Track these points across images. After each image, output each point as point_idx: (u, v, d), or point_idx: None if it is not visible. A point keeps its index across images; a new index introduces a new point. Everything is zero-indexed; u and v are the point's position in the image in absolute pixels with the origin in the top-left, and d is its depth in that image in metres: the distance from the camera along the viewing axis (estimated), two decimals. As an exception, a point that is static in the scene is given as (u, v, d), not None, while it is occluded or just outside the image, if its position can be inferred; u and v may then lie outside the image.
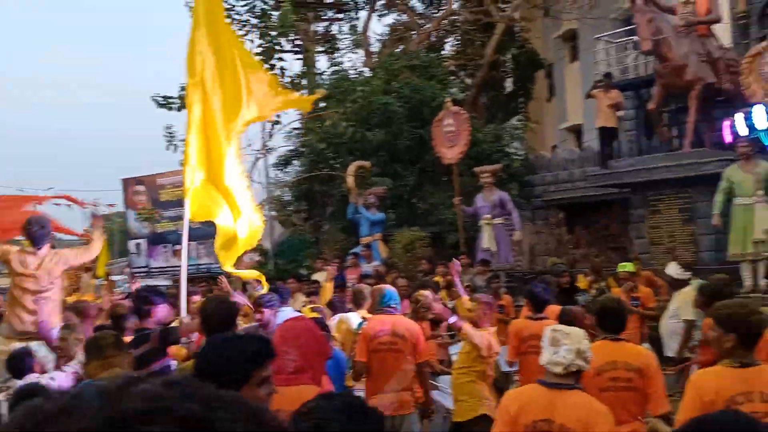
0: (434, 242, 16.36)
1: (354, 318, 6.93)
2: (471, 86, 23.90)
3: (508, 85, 26.53)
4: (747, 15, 14.12)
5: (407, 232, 15.27)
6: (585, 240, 15.83)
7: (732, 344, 3.67)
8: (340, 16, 26.42)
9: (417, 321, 8.43)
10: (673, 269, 8.94)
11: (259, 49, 22.99)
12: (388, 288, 6.41)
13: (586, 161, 17.03)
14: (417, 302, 8.42)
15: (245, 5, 23.37)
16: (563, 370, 3.50)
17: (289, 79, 23.36)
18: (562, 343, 3.51)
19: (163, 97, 19.29)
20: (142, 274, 20.14)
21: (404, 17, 25.81)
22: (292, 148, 20.42)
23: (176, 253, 19.14)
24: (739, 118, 6.79)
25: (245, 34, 23.16)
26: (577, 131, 25.33)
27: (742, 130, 6.76)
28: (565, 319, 5.18)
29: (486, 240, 13.22)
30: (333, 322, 7.10)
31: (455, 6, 24.45)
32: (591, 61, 18.73)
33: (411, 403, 5.84)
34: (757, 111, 6.29)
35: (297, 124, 20.87)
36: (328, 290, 9.48)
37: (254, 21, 23.24)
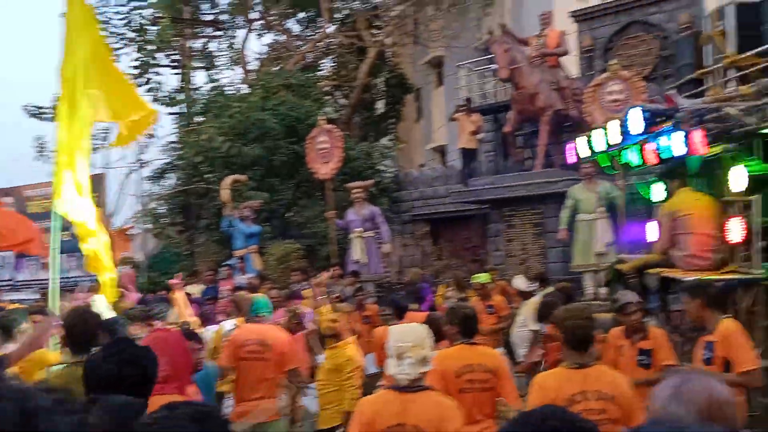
0: (308, 254, 16.32)
1: (228, 325, 6.83)
2: (345, 106, 24.11)
3: (380, 106, 26.97)
4: (592, 49, 15.02)
5: (281, 244, 15.18)
6: (448, 252, 16.31)
7: (565, 347, 3.91)
8: (219, 33, 26.01)
9: (291, 332, 8.42)
10: (519, 282, 9.36)
11: (136, 63, 22.28)
12: (258, 297, 6.34)
13: (449, 179, 17.53)
14: (292, 314, 8.39)
15: (122, 19, 22.59)
16: (409, 381, 3.56)
17: (165, 94, 22.80)
18: (406, 356, 3.53)
19: (36, 107, 18.26)
20: (6, 288, 18.87)
21: (282, 38, 25.71)
22: (167, 161, 19.80)
23: (45, 266, 18.04)
24: (581, 141, 7.23)
25: (122, 48, 22.39)
26: (442, 151, 26.05)
27: (583, 153, 7.19)
28: (430, 325, 5.31)
29: (357, 252, 13.33)
30: (206, 333, 6.94)
31: (330, 30, 24.61)
32: (455, 86, 19.35)
33: (277, 411, 5.80)
34: (596, 135, 6.72)
35: (172, 138, 20.33)
36: (180, 301, 8.82)
37: (131, 35, 22.50)
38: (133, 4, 22.84)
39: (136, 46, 22.37)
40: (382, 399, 3.70)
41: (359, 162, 18.02)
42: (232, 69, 25.91)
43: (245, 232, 14.01)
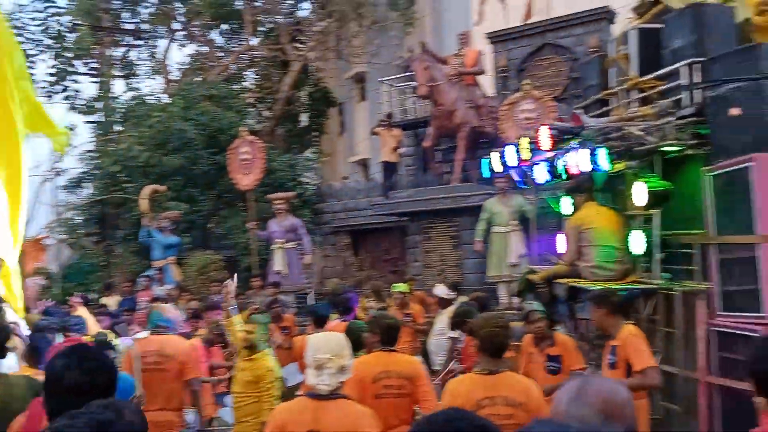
0: (228, 265, 16.06)
1: (142, 336, 6.63)
2: (268, 118, 23.91)
3: (304, 119, 26.88)
4: (507, 69, 15.43)
5: (201, 255, 14.89)
6: (369, 263, 16.36)
7: (480, 354, 4.00)
8: (140, 42, 25.40)
9: (212, 343, 8.25)
10: (440, 290, 9.51)
11: (53, 71, 21.48)
12: (156, 309, 6.18)
13: (371, 191, 17.64)
14: (214, 325, 8.23)
15: (39, 25, 21.78)
16: (328, 391, 3.55)
17: (83, 102, 22.08)
18: (326, 366, 3.53)
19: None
20: None
21: (204, 49, 25.32)
22: (84, 170, 19.12)
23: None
24: (494, 156, 7.41)
25: (38, 54, 21.58)
26: (364, 164, 26.20)
27: (497, 167, 7.37)
28: (349, 334, 5.31)
29: (278, 263, 13.19)
30: (122, 344, 6.73)
31: (254, 42, 24.40)
32: (377, 101, 19.50)
33: (178, 423, 5.68)
34: (509, 150, 6.91)
35: (90, 147, 19.67)
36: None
37: (48, 42, 21.71)
38: (50, 10, 22.08)
39: (54, 53, 21.64)
40: (297, 406, 3.66)
41: (282, 173, 17.89)
42: (153, 78, 25.35)
43: (164, 242, 13.68)
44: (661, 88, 6.08)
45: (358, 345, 5.10)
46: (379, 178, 16.97)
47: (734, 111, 5.29)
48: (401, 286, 9.89)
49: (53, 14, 22.04)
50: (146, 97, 21.80)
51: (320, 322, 6.42)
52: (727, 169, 5.28)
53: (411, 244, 14.54)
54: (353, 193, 18.25)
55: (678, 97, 5.82)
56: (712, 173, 5.42)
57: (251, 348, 5.87)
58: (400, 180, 16.26)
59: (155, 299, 10.87)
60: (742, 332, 5.17)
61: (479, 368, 3.96)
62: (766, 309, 4.96)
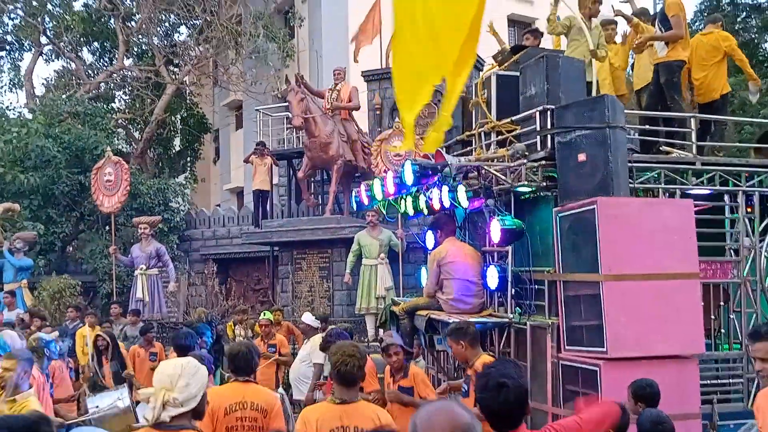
0: (87, 291, 15.18)
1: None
2: (139, 141, 23.01)
3: (178, 144, 26.11)
4: (381, 107, 15.72)
5: (57, 279, 13.98)
6: (238, 292, 15.96)
7: (334, 383, 3.95)
8: (1, 53, 23.85)
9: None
10: (308, 317, 9.40)
11: None
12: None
13: (243, 220, 17.31)
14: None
15: None
16: (152, 422, 3.32)
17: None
18: (156, 398, 3.32)
19: None
20: None
21: (72, 66, 24.09)
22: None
23: None
24: (363, 189, 7.45)
25: None
26: (239, 192, 25.72)
27: (365, 200, 7.42)
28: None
29: (139, 290, 12.59)
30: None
31: (127, 63, 23.51)
32: (253, 130, 19.25)
33: None
34: (376, 183, 6.97)
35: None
36: None
37: None
38: None
39: None
40: None
41: (150, 198, 17.21)
42: (14, 92, 23.81)
43: (16, 265, 12.76)
44: (517, 132, 6.36)
45: None
46: (252, 206, 16.69)
47: (581, 156, 5.61)
48: (267, 314, 9.69)
49: None
50: (6, 112, 20.40)
51: (183, 352, 6.01)
52: (574, 211, 5.55)
53: (282, 275, 14.34)
54: (225, 221, 17.82)
55: (532, 141, 6.10)
56: (561, 214, 5.68)
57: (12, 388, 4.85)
58: (272, 209, 16.06)
59: (5, 324, 10.07)
60: (586, 366, 5.40)
61: (333, 397, 3.92)
62: (608, 344, 5.21)
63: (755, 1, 20.89)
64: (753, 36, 21.13)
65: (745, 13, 21.26)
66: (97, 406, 6.12)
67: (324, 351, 6.99)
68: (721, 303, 6.09)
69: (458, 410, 2.13)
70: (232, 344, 5.01)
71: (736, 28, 20.86)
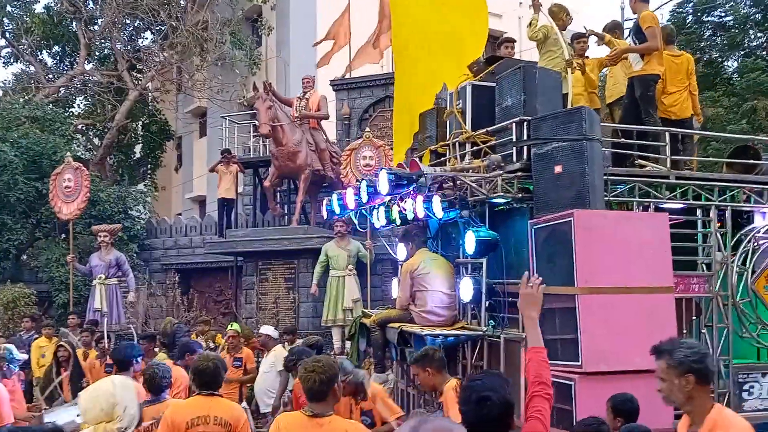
0: (42, 301, 14.76)
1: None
2: (99, 147, 22.55)
3: (138, 150, 25.66)
4: (349, 117, 15.66)
5: (11, 288, 13.58)
6: (200, 304, 15.67)
7: (306, 397, 3.89)
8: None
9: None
10: (268, 329, 9.26)
11: None
12: None
13: (206, 229, 17.02)
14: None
15: None
16: None
17: None
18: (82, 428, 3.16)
19: None
20: None
21: (31, 69, 23.54)
22: None
23: None
24: (333, 199, 7.35)
25: None
26: (201, 201, 25.35)
27: (337, 209, 7.32)
28: (149, 378, 4.96)
29: (98, 300, 12.24)
30: None
31: (88, 67, 23.06)
32: (218, 137, 19.00)
33: None
34: (348, 193, 6.88)
35: None
36: None
37: None
38: None
39: None
40: None
41: (110, 205, 16.83)
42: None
43: (-33, 273, 12.32)
44: (492, 143, 6.33)
45: (157, 390, 4.87)
46: (215, 216, 16.43)
47: (557, 168, 5.60)
48: (235, 326, 9.50)
49: None
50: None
51: (123, 366, 5.73)
52: (550, 223, 5.53)
53: (246, 286, 14.12)
54: (187, 230, 17.50)
55: (508, 152, 6.08)
56: (536, 226, 5.65)
57: None
58: (237, 219, 15.84)
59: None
60: (561, 380, 5.36)
61: (306, 409, 3.85)
62: (583, 358, 5.17)
63: (721, 20, 21.39)
64: (718, 54, 21.61)
65: (710, 32, 21.75)
66: (54, 422, 5.88)
67: (288, 370, 6.86)
68: (693, 317, 6.11)
69: (449, 423, 2.04)
70: (198, 358, 4.83)
71: (702, 45, 21.33)
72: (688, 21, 21.17)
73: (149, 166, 25.69)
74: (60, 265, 15.07)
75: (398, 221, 6.62)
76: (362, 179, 7.17)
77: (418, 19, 7.64)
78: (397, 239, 7.72)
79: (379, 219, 6.96)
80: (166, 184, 27.35)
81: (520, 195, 5.87)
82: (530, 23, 7.54)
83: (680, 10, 21.62)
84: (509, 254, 6.06)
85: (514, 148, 6.00)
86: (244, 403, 8.32)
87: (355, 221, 8.02)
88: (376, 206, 6.88)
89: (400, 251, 7.38)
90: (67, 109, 22.97)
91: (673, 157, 6.40)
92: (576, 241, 5.26)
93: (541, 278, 3.59)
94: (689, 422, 3.22)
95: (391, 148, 13.07)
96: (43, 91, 21.57)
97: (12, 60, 24.25)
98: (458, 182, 5.98)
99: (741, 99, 18.48)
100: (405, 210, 6.17)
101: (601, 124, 6.10)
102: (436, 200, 5.82)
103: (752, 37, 21.13)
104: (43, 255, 16.27)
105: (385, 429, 5.53)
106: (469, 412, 2.74)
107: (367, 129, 13.72)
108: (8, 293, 13.51)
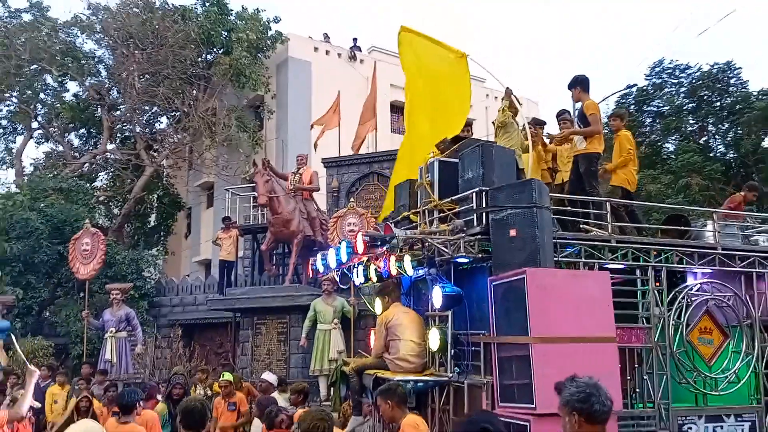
0: (59, 352, 14.41)
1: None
2: (118, 216, 22.51)
3: (153, 219, 25.63)
4: (338, 190, 15.82)
5: (31, 341, 13.27)
6: (200, 355, 15.35)
7: None
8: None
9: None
10: (269, 376, 9.09)
11: None
12: None
13: (209, 288, 16.85)
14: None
15: None
16: None
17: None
18: None
19: None
20: None
21: (60, 148, 23.70)
22: None
23: None
24: (318, 258, 7.33)
25: None
26: (207, 264, 25.13)
27: (321, 268, 7.29)
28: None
29: (108, 352, 11.96)
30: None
31: (111, 146, 23.26)
32: (222, 208, 19.04)
33: None
34: (330, 253, 6.87)
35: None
36: None
37: None
38: None
39: None
40: None
41: (125, 267, 16.68)
42: (5, 170, 23.25)
43: (-7, 327, 12.05)
44: (456, 210, 6.39)
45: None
46: (218, 276, 16.29)
47: (512, 232, 5.63)
48: (227, 375, 9.27)
49: None
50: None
51: (127, 410, 5.59)
52: (506, 280, 5.52)
53: (243, 339, 13.88)
54: (192, 289, 17.31)
55: (469, 218, 6.12)
56: (495, 282, 5.64)
57: None
58: (237, 279, 15.71)
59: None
60: (517, 421, 5.25)
61: None
62: (537, 401, 5.08)
63: (659, 109, 22.05)
64: (657, 138, 22.17)
65: (650, 119, 22.38)
66: None
67: (260, 418, 6.62)
68: (636, 365, 6.05)
69: None
70: (186, 400, 4.68)
71: (644, 131, 21.90)
72: (631, 109, 21.81)
73: (162, 233, 25.62)
74: (77, 320, 14.81)
75: (374, 278, 6.58)
76: (342, 240, 7.17)
77: (421, 86, 7.86)
78: (375, 294, 7.66)
79: (358, 276, 6.91)
80: (176, 249, 27.18)
81: (480, 255, 5.87)
82: (502, 109, 7.69)
83: (623, 100, 22.31)
84: (472, 307, 6.02)
85: (475, 215, 6.04)
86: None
87: (337, 279, 7.95)
88: (355, 265, 6.85)
89: (377, 305, 7.30)
90: (90, 183, 23.00)
91: (614, 223, 6.46)
92: (529, 295, 5.25)
93: None
94: None
95: (374, 217, 13.20)
96: (70, 167, 21.67)
97: (43, 140, 24.45)
98: (426, 243, 5.99)
99: (677, 176, 18.86)
100: (380, 268, 6.15)
101: (550, 194, 6.18)
102: (407, 259, 5.82)
103: (687, 123, 21.77)
104: (63, 311, 16.00)
105: None
106: None
107: (352, 199, 13.84)
108: (29, 345, 13.20)
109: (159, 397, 8.97)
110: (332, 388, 7.65)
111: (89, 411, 7.98)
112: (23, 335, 14.44)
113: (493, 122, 7.88)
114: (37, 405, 8.70)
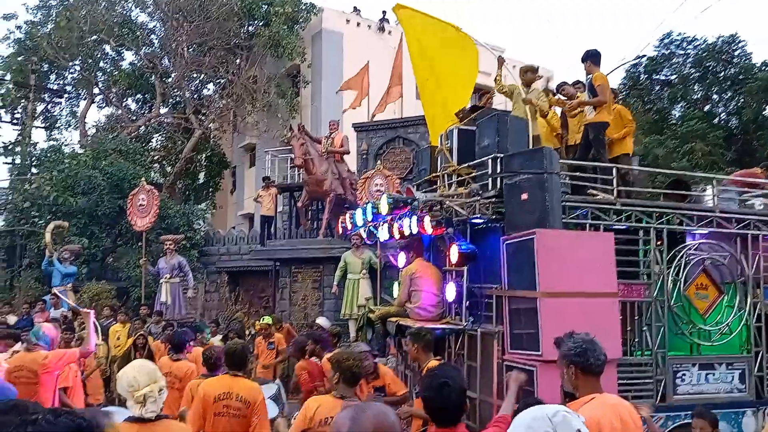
0: (120, 295, 14.85)
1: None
2: (170, 174, 22.79)
3: (202, 177, 25.93)
4: (367, 152, 15.72)
5: (96, 285, 13.68)
6: (244, 299, 15.68)
7: (336, 381, 3.75)
8: (61, 100, 23.64)
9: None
10: (323, 321, 9.22)
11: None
12: (38, 327, 5.46)
13: (252, 240, 17.07)
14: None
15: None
16: (155, 416, 3.14)
17: (2, 145, 20.08)
18: (148, 397, 3.10)
19: None
20: None
21: (119, 111, 23.93)
22: (-3, 203, 17.22)
23: None
24: (347, 216, 7.35)
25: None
26: (250, 218, 25.43)
27: (349, 225, 7.31)
28: (207, 360, 4.93)
29: (164, 295, 12.30)
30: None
31: (163, 111, 23.38)
32: (262, 168, 19.12)
33: None
34: (357, 213, 6.88)
35: (4, 184, 17.80)
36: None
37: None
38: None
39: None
40: (123, 429, 3.08)
41: (177, 220, 16.96)
42: (70, 132, 23.63)
43: (63, 271, 12.44)
44: (473, 174, 6.31)
45: (213, 367, 4.78)
46: (259, 229, 16.50)
47: (524, 196, 5.56)
48: (267, 318, 9.48)
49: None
50: (63, 147, 20.17)
51: (179, 348, 5.78)
52: (517, 240, 5.48)
53: (281, 285, 14.11)
54: (237, 240, 17.56)
55: (485, 182, 6.05)
56: (507, 242, 5.60)
57: None
58: (276, 232, 15.89)
59: (52, 320, 9.76)
60: (525, 366, 5.28)
61: (336, 392, 3.70)
62: (543, 349, 5.10)
63: (667, 78, 21.30)
64: (665, 105, 21.49)
65: (658, 87, 21.67)
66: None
67: (296, 357, 6.66)
68: (636, 317, 6.00)
69: (383, 409, 1.82)
70: (228, 343, 4.80)
71: (652, 98, 21.23)
72: (640, 79, 21.11)
73: (210, 189, 25.91)
74: (135, 267, 15.18)
75: (398, 236, 6.59)
76: (369, 201, 7.16)
77: (428, 56, 7.68)
78: (399, 250, 7.69)
79: (382, 234, 6.93)
80: (223, 203, 27.50)
81: (494, 216, 5.82)
82: (495, 79, 7.46)
83: (633, 70, 21.59)
84: (485, 264, 6.01)
85: (490, 179, 5.97)
86: (278, 380, 8.25)
87: (364, 236, 7.98)
88: (380, 223, 6.85)
89: (401, 259, 7.34)
90: (145, 144, 23.26)
91: (618, 188, 6.32)
92: (538, 254, 5.21)
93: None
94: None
95: (399, 178, 13.13)
96: (127, 129, 21.89)
97: (104, 104, 24.68)
98: (445, 205, 5.95)
99: (682, 141, 18.33)
100: (402, 227, 6.14)
101: (562, 161, 6.05)
102: (427, 220, 5.79)
103: (692, 92, 21.04)
104: (123, 258, 16.41)
105: (398, 399, 5.45)
106: (431, 396, 2.68)
107: (379, 162, 13.75)
108: (94, 288, 13.60)
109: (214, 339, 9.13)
110: (359, 332, 7.76)
111: (145, 347, 8.24)
112: (88, 279, 14.88)
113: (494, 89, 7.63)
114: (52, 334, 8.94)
